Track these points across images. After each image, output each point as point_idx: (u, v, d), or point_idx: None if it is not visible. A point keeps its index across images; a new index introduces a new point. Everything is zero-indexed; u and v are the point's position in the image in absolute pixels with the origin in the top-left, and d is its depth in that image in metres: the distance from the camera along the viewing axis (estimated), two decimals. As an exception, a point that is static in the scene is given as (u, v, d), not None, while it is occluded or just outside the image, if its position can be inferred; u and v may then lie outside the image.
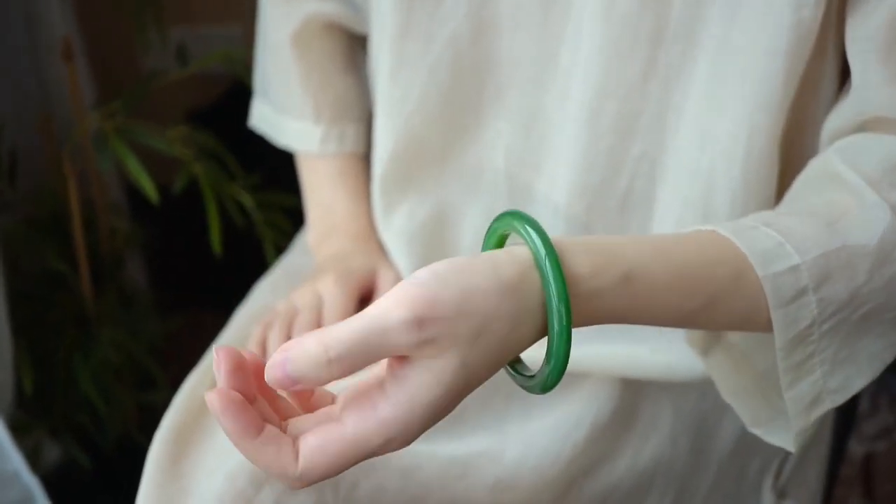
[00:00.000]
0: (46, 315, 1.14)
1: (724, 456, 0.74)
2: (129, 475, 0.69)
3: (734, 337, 0.59)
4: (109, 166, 1.07)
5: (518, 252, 0.46)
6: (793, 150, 0.64)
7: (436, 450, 0.68)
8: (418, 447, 0.67)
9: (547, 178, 0.69)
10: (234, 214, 1.06)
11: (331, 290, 0.71)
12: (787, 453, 0.76)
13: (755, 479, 0.77)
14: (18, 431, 1.04)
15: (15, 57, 1.17)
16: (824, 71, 0.62)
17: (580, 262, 0.46)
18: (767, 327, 0.50)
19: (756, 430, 0.57)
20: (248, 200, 1.07)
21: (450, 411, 0.45)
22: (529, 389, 0.48)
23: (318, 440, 0.43)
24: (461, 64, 0.68)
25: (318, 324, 0.69)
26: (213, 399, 0.43)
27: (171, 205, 1.07)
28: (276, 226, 1.08)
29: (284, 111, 0.84)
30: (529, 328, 0.45)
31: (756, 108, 0.60)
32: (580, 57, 0.64)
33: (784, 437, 0.55)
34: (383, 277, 0.75)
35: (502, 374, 0.69)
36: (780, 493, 0.77)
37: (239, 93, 1.04)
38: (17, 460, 0.94)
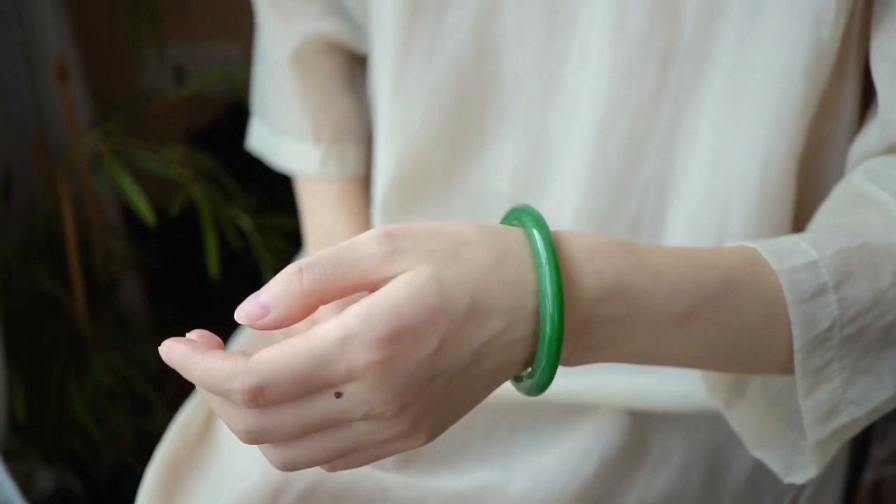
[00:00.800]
0: (40, 338, 1.12)
1: (737, 489, 0.72)
2: (125, 503, 0.67)
3: (757, 386, 0.56)
4: (104, 187, 1.06)
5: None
6: (811, 173, 0.62)
7: (438, 484, 0.65)
8: (420, 481, 0.65)
9: (552, 202, 0.67)
10: (232, 237, 1.04)
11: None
12: (802, 487, 0.74)
13: (768, 512, 0.75)
14: (10, 458, 1.02)
15: (11, 75, 1.16)
16: (844, 92, 0.60)
17: (568, 233, 0.46)
18: (790, 328, 0.47)
19: (793, 479, 0.54)
20: (246, 223, 1.05)
21: (419, 333, 0.40)
22: (527, 392, 0.46)
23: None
24: (465, 83, 0.66)
25: None
26: (165, 345, 0.42)
27: (170, 226, 1.06)
28: (274, 249, 1.06)
29: (283, 132, 0.82)
30: (517, 269, 0.43)
31: (772, 130, 0.58)
32: (587, 76, 0.62)
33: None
34: None
35: (505, 408, 0.68)
36: (794, 527, 0.75)
37: (239, 113, 1.02)
38: (8, 488, 0.92)
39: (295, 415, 0.40)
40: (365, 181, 0.81)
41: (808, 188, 0.62)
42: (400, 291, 0.40)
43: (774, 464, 0.54)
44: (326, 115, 0.80)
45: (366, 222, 0.79)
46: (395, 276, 0.41)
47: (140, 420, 1.17)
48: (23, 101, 1.17)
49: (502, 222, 0.47)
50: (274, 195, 1.04)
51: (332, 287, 0.41)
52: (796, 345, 0.47)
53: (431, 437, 0.43)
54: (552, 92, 0.65)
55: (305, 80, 0.79)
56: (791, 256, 0.47)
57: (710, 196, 0.62)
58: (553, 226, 0.65)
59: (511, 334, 0.43)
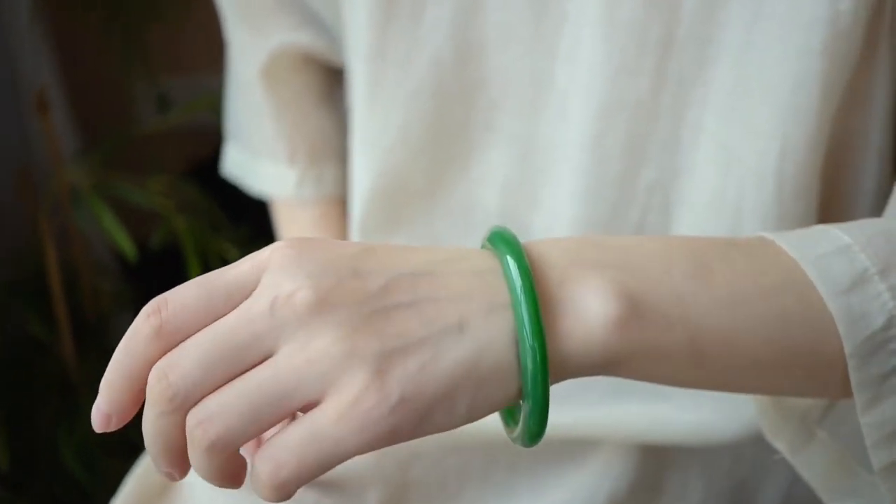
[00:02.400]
0: (26, 383, 1.08)
1: (765, 528, 0.65)
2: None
3: (828, 425, 0.47)
4: (86, 223, 1.02)
5: None
6: (840, 172, 0.56)
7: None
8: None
9: (546, 213, 0.61)
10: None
11: None
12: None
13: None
14: (-4, 511, 0.98)
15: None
16: (875, 78, 0.53)
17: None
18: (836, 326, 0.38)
19: None
20: (234, 256, 1.01)
21: (337, 242, 0.36)
22: (520, 441, 0.38)
23: None
24: (445, 88, 0.60)
25: None
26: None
27: (164, 261, 1.02)
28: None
29: (256, 154, 0.77)
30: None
31: (788, 119, 0.51)
32: (579, 73, 0.56)
33: None
34: None
35: (502, 446, 0.61)
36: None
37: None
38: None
39: (202, 331, 0.35)
40: (345, 202, 0.76)
41: (835, 188, 0.56)
42: None
43: None
44: (302, 133, 0.75)
45: None
46: None
47: (133, 467, 1.12)
48: (8, 135, 1.14)
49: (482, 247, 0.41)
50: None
51: None
52: (847, 348, 0.38)
53: (383, 387, 0.33)
54: (542, 93, 0.59)
55: (278, 96, 0.74)
56: (818, 244, 0.39)
57: (720, 198, 0.56)
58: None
59: (464, 263, 0.36)
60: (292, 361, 0.33)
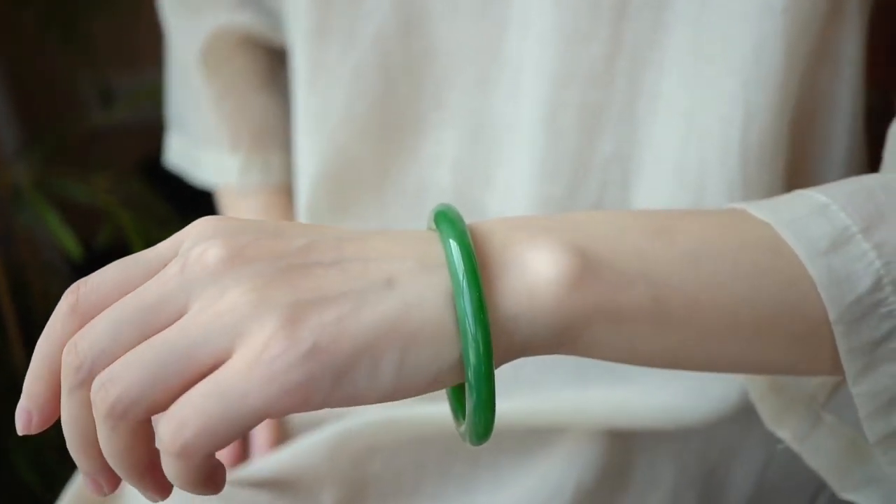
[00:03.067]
0: (-25, 392, 1.04)
1: (738, 512, 0.63)
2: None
3: (836, 408, 0.43)
4: (32, 223, 0.99)
5: None
6: (807, 141, 0.53)
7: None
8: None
9: (501, 193, 0.59)
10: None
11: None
12: (817, 497, 0.64)
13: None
14: (-55, 525, 0.94)
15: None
16: (843, 35, 0.51)
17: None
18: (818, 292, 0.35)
19: None
20: (185, 250, 0.98)
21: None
22: (466, 439, 0.35)
23: None
24: (391, 64, 0.58)
25: None
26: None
27: (112, 259, 0.98)
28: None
29: (199, 143, 0.74)
30: None
31: (751, 82, 0.49)
32: (530, 43, 0.54)
33: None
34: None
35: (460, 437, 0.59)
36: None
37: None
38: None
39: (116, 302, 0.33)
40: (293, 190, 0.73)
41: (805, 160, 0.54)
42: None
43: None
44: (244, 119, 0.72)
45: None
46: None
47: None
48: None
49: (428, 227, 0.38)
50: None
51: None
52: (832, 314, 0.35)
53: (293, 333, 0.30)
54: (492, 67, 0.56)
55: (218, 81, 0.71)
56: (792, 207, 0.36)
57: (681, 170, 0.53)
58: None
59: (396, 233, 0.34)
60: (200, 315, 0.31)
